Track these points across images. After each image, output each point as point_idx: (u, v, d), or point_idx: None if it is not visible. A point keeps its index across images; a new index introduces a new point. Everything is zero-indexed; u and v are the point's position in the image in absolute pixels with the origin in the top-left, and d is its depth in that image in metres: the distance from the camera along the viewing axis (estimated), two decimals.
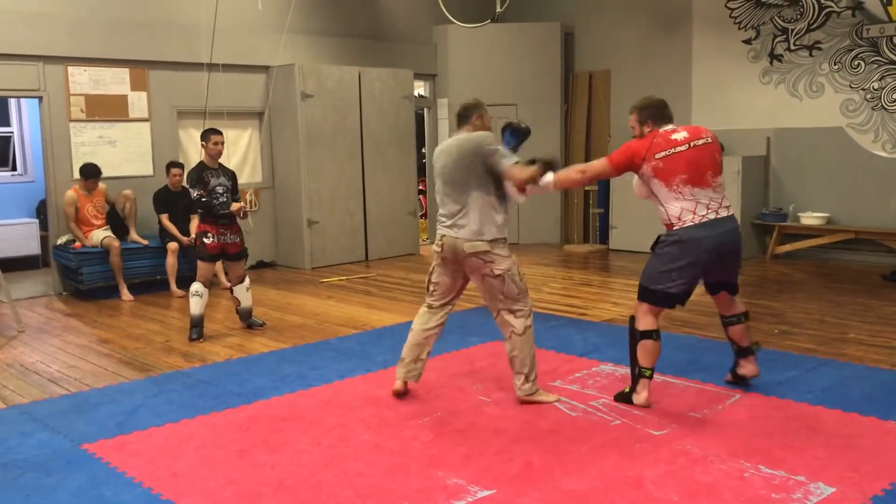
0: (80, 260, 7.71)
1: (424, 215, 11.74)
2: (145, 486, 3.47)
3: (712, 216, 4.09)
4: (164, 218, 8.07)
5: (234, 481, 3.50)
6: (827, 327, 6.04)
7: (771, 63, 9.36)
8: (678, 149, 4.11)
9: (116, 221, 8.08)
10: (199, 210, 6.20)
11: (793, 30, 9.17)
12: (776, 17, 9.28)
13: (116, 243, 7.76)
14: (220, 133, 6.29)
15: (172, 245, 7.95)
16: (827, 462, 3.53)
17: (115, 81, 8.33)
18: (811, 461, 3.54)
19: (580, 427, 4.05)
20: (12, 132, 10.12)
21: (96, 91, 8.21)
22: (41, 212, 9.70)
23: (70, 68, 8.03)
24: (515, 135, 4.49)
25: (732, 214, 4.22)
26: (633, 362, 4.28)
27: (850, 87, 8.81)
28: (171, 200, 8.13)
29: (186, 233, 8.01)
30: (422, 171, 11.52)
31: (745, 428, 3.96)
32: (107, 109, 8.30)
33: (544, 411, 4.29)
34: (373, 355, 5.51)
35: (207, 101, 8.30)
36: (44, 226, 9.29)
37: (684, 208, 4.08)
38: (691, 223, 4.08)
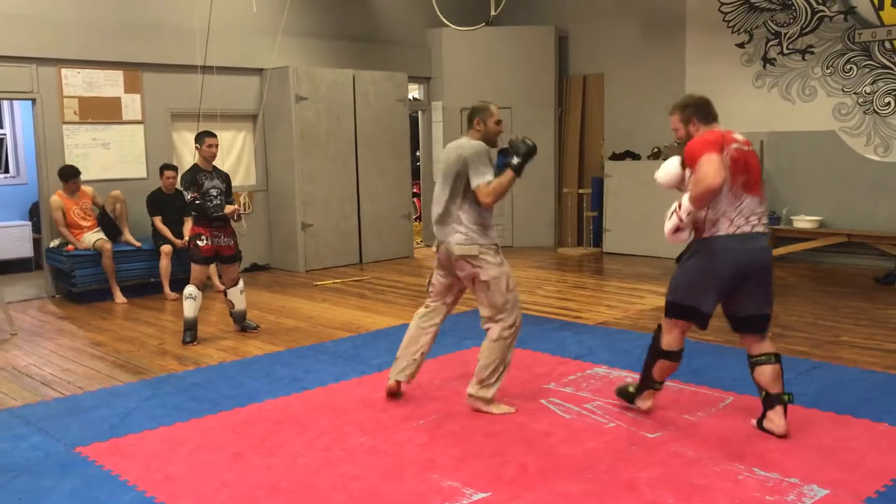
0: (72, 262, 7.69)
1: (419, 218, 11.74)
2: (139, 490, 3.46)
3: (747, 229, 3.70)
4: (158, 220, 8.05)
5: (228, 484, 3.50)
6: (820, 330, 6.06)
7: (764, 67, 9.40)
8: (743, 147, 3.73)
9: (108, 224, 8.05)
10: (193, 212, 6.18)
11: (786, 34, 9.21)
12: (769, 21, 9.32)
13: (109, 245, 7.73)
14: (215, 135, 6.28)
15: (166, 248, 7.94)
16: (821, 464, 3.54)
17: (108, 83, 8.32)
18: (805, 463, 3.55)
19: (575, 429, 4.05)
20: (5, 134, 10.10)
21: (90, 93, 8.19)
22: (34, 214, 9.67)
23: (63, 70, 8.01)
24: (506, 155, 4.32)
25: (767, 233, 3.82)
26: (647, 370, 4.10)
27: (843, 90, 8.86)
28: (164, 203, 8.11)
29: (180, 235, 7.99)
30: (416, 174, 11.52)
31: (739, 430, 3.97)
32: (100, 112, 8.28)
33: (539, 414, 4.29)
34: (367, 358, 5.50)
35: (201, 104, 8.27)
36: (36, 228, 9.28)
37: (726, 215, 3.69)
38: (724, 233, 3.70)
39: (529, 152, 4.27)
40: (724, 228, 3.69)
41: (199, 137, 6.25)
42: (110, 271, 7.74)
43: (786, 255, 9.25)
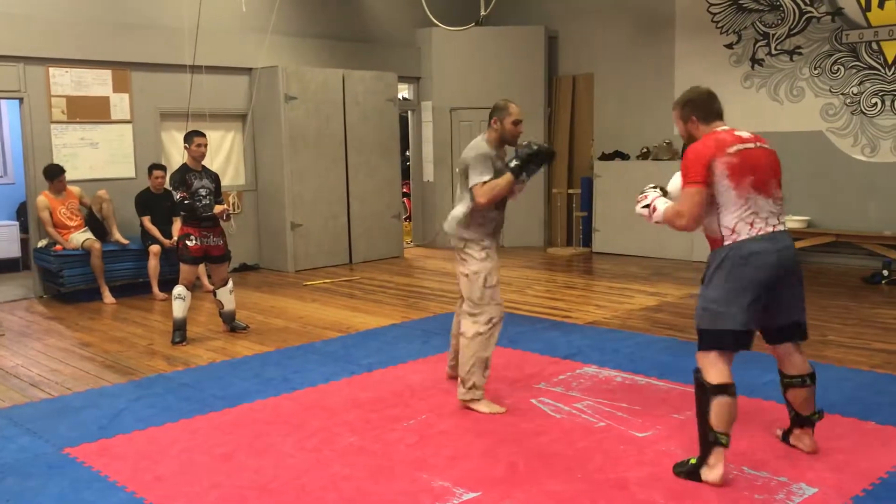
0: (60, 263, 7.65)
1: (409, 218, 11.74)
2: (128, 491, 3.44)
3: (769, 230, 3.38)
4: (147, 220, 8.02)
5: (217, 485, 3.49)
6: (808, 329, 6.07)
7: (752, 67, 9.44)
8: (747, 146, 3.42)
9: (96, 224, 8.01)
10: (182, 212, 6.17)
11: (774, 34, 9.26)
12: (757, 22, 9.36)
13: (97, 245, 7.70)
14: (203, 135, 6.26)
15: (155, 248, 7.90)
16: (809, 463, 3.56)
17: (96, 83, 8.28)
18: (794, 462, 3.57)
19: (565, 429, 4.06)
20: None
21: (78, 92, 8.15)
22: (21, 214, 9.62)
23: (51, 69, 7.96)
24: (520, 157, 4.32)
25: (788, 232, 3.51)
26: (704, 426, 3.36)
27: (830, 91, 8.91)
28: (153, 203, 8.08)
29: (169, 235, 7.97)
30: (406, 173, 11.52)
31: None
32: (88, 111, 8.24)
33: (529, 413, 4.30)
34: (357, 358, 5.50)
35: (190, 103, 8.25)
36: (24, 228, 9.22)
37: (742, 219, 3.36)
38: (747, 236, 3.36)
39: (531, 156, 4.27)
40: (745, 231, 3.36)
41: (188, 137, 6.23)
42: (99, 271, 7.71)
43: None
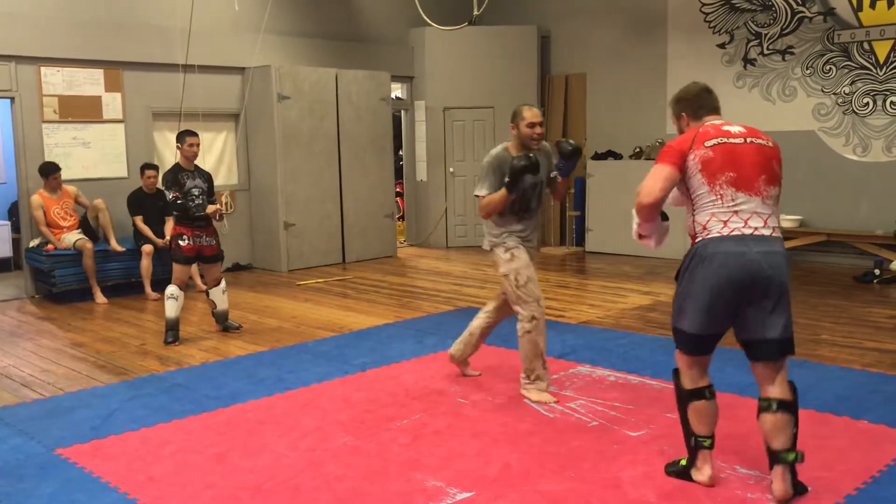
0: (52, 262, 7.62)
1: (402, 217, 11.73)
2: (121, 491, 3.43)
3: (747, 232, 3.13)
4: (139, 220, 7.99)
5: (211, 485, 3.48)
6: (800, 329, 6.07)
7: (745, 67, 9.47)
8: (732, 140, 3.22)
9: (89, 226, 7.97)
10: (175, 212, 6.15)
11: (766, 34, 9.28)
12: (750, 22, 9.39)
13: (90, 245, 7.67)
14: (196, 135, 6.25)
15: (147, 247, 7.88)
16: (802, 462, 3.56)
17: (88, 82, 8.25)
18: None
19: (558, 428, 4.07)
20: None
21: (70, 92, 8.12)
22: (13, 214, 9.58)
23: (43, 69, 7.93)
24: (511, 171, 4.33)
25: (780, 238, 3.23)
26: (687, 430, 3.38)
27: (822, 91, 8.94)
28: (145, 202, 8.06)
29: (161, 235, 7.94)
30: (399, 173, 11.52)
31: (721, 429, 3.97)
32: (80, 110, 8.21)
33: (523, 413, 4.30)
34: (350, 358, 5.49)
35: (183, 103, 8.24)
36: (16, 228, 9.18)
37: (715, 215, 3.18)
38: (717, 234, 3.16)
39: (520, 170, 4.24)
40: (717, 229, 3.16)
41: (181, 136, 6.22)
42: (91, 271, 7.68)
43: None
